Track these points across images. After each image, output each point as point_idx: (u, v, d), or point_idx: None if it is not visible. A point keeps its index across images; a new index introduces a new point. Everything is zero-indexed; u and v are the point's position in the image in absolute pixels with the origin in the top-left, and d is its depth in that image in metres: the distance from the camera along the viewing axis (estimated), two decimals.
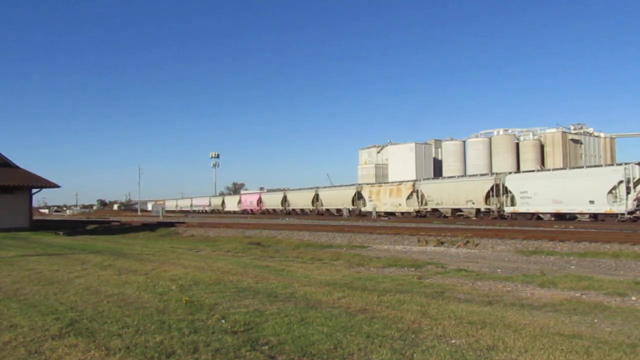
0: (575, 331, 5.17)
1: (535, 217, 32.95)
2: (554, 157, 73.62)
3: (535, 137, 77.31)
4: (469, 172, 70.16)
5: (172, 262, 12.01)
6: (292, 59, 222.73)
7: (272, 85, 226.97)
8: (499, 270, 11.36)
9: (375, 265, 11.92)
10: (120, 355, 4.40)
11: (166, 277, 9.16)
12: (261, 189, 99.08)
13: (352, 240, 20.80)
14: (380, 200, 47.19)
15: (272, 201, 68.22)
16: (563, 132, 76.00)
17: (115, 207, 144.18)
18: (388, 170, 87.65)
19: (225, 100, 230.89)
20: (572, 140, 76.52)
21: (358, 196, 51.25)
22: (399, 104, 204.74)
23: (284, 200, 64.89)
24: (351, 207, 51.66)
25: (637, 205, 27.94)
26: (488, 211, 36.92)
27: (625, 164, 29.17)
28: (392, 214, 45.77)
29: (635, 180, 28.14)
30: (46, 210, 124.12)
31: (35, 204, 36.72)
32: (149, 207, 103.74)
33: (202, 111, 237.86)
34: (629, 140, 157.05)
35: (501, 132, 79.30)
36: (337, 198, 55.02)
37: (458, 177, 45.15)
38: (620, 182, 28.42)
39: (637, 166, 28.34)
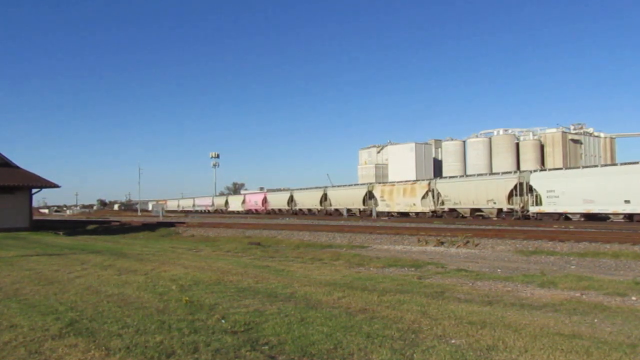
0: (575, 331, 5.17)
1: (563, 217, 31.24)
2: (554, 157, 73.65)
3: (535, 137, 77.35)
4: (468, 172, 70.05)
5: (172, 262, 12.01)
6: (292, 59, 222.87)
7: (272, 85, 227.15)
8: (499, 270, 11.36)
9: (375, 265, 11.92)
10: (120, 355, 4.39)
11: (166, 277, 9.16)
12: (261, 188, 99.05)
13: (352, 240, 20.80)
14: (393, 200, 45.33)
15: (278, 201, 66.50)
16: (563, 132, 76.05)
17: (116, 207, 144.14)
18: (388, 170, 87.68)
19: (225, 100, 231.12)
20: (572, 140, 76.55)
21: (369, 196, 49.32)
22: (399, 104, 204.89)
23: (291, 200, 63.24)
24: (362, 207, 49.87)
25: None
26: (511, 211, 35.07)
27: None
28: (405, 214, 43.98)
29: None
30: (46, 210, 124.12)
31: (35, 204, 36.76)
32: (150, 207, 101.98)
33: (202, 111, 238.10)
34: (629, 140, 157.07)
35: (501, 132, 79.34)
36: (346, 198, 53.16)
37: (477, 175, 42.90)
38: None
39: None
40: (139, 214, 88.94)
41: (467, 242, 17.96)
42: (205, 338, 4.88)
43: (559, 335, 4.98)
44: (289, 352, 4.46)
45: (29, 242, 19.52)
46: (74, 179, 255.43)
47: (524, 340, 4.73)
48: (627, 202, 27.76)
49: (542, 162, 72.50)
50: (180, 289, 7.76)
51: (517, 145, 77.68)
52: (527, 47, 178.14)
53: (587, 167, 34.45)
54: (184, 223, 36.59)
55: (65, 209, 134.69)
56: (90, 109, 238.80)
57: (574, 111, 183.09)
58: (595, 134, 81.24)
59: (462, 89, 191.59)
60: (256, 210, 70.68)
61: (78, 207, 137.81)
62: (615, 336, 4.98)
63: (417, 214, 42.72)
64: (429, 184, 42.63)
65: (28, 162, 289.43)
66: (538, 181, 33.21)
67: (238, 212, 74.16)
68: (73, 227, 37.39)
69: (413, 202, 43.19)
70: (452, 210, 39.70)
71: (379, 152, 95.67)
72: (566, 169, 32.76)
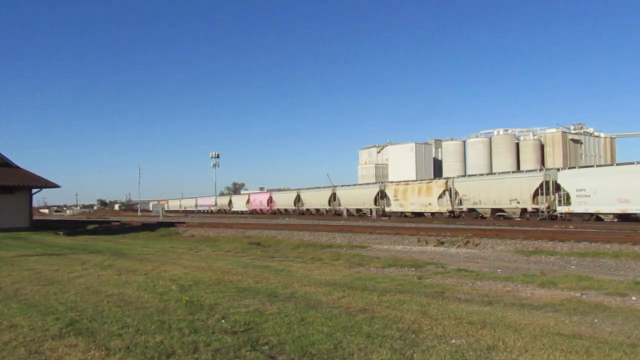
0: (575, 331, 5.17)
1: (594, 218, 29.62)
2: (554, 157, 73.67)
3: (535, 137, 77.37)
4: (469, 172, 70.09)
5: (172, 262, 12.01)
6: (292, 59, 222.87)
7: (272, 85, 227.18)
8: (499, 270, 11.36)
9: (375, 265, 11.92)
10: (120, 355, 4.39)
11: (166, 277, 9.16)
12: (261, 188, 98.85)
13: (352, 240, 20.80)
14: (407, 200, 43.44)
15: (284, 201, 64.59)
16: (563, 132, 76.07)
17: (117, 207, 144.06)
18: (388, 170, 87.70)
19: (225, 100, 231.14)
20: (572, 140, 76.57)
21: (381, 195, 47.39)
22: (399, 104, 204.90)
23: (297, 200, 61.39)
24: (374, 207, 48.01)
25: None
26: (536, 211, 33.22)
27: None
28: (420, 214, 42.21)
29: None
30: (46, 210, 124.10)
31: (35, 204, 36.76)
32: (151, 207, 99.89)
33: (202, 111, 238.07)
34: (629, 140, 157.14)
35: (501, 132, 79.36)
36: (357, 197, 51.23)
37: (499, 173, 40.92)
38: None
39: None
40: (139, 214, 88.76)
41: (467, 242, 17.96)
42: (205, 338, 4.88)
43: (559, 335, 4.98)
44: (289, 352, 4.46)
45: (29, 242, 19.53)
46: (74, 179, 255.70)
47: (524, 340, 4.73)
48: None
49: (542, 162, 72.47)
50: (180, 289, 7.76)
51: (517, 145, 77.69)
52: (527, 47, 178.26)
53: (622, 164, 31.78)
54: (184, 223, 36.59)
55: (65, 209, 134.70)
56: (90, 109, 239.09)
57: (574, 111, 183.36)
58: (595, 134, 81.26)
59: (462, 89, 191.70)
60: (261, 210, 69.00)
61: (78, 207, 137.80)
62: (615, 336, 4.98)
63: (433, 214, 40.91)
64: (446, 182, 40.67)
65: (28, 162, 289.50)
66: (567, 179, 31.33)
67: (242, 212, 72.39)
68: (73, 227, 37.39)
69: (429, 201, 41.27)
70: (471, 210, 37.97)
71: (379, 152, 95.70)
72: (598, 166, 30.82)
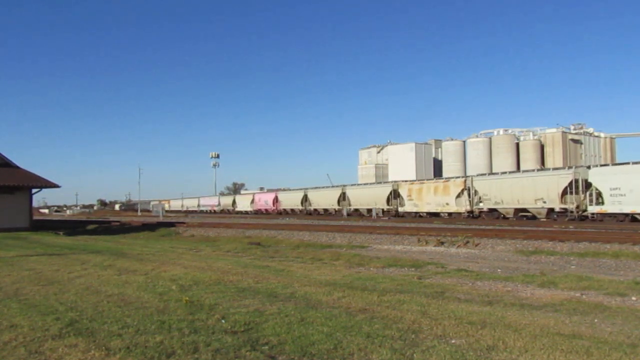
0: (575, 331, 5.17)
1: (629, 218, 27.74)
2: (554, 157, 73.71)
3: (535, 137, 77.42)
4: (469, 173, 70.02)
5: (172, 262, 12.01)
6: (292, 59, 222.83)
7: (272, 85, 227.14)
8: (499, 270, 11.36)
9: (375, 265, 11.92)
10: (120, 355, 4.39)
11: (166, 277, 9.16)
12: (261, 188, 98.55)
13: (352, 240, 20.80)
14: (423, 200, 41.68)
15: (291, 200, 62.69)
16: (563, 132, 76.12)
17: (117, 207, 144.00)
18: (388, 170, 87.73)
19: (225, 100, 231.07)
20: (572, 140, 76.61)
21: (394, 195, 45.62)
22: (399, 104, 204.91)
23: (305, 199, 59.63)
24: (386, 207, 46.15)
25: None
26: (564, 211, 31.24)
27: None
28: (436, 214, 40.59)
29: None
30: (46, 210, 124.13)
31: (35, 204, 36.76)
32: (152, 207, 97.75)
33: (202, 111, 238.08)
34: (629, 140, 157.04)
35: (501, 132, 79.40)
36: (368, 197, 49.23)
37: (523, 171, 39.05)
38: None
39: None
40: (139, 214, 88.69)
41: (467, 242, 17.96)
42: (205, 338, 4.88)
43: (559, 335, 4.98)
44: (289, 352, 4.46)
45: (29, 242, 19.53)
46: (74, 179, 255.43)
47: (524, 340, 4.72)
48: None
49: (542, 162, 72.53)
50: (180, 289, 7.75)
51: (517, 145, 77.75)
52: (527, 47, 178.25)
53: None
54: (184, 223, 36.60)
55: (65, 209, 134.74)
56: (90, 109, 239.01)
57: (574, 111, 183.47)
58: (595, 134, 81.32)
59: (462, 89, 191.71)
60: (266, 210, 66.99)
61: (78, 207, 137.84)
62: (615, 336, 4.98)
63: (450, 214, 39.28)
64: (465, 181, 38.86)
65: (28, 162, 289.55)
66: (599, 177, 29.45)
67: (246, 213, 70.55)
68: (73, 227, 37.40)
69: (446, 201, 39.42)
70: (492, 210, 36.16)
71: (379, 152, 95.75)
72: (634, 163, 29.49)
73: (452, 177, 44.06)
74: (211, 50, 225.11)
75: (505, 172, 41.67)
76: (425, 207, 41.63)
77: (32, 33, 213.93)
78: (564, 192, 31.41)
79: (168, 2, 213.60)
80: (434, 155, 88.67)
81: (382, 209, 46.72)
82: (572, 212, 30.86)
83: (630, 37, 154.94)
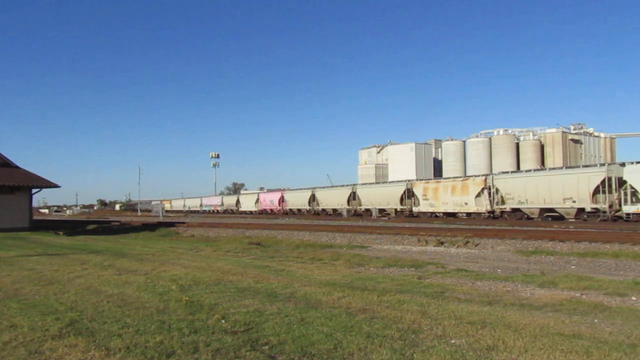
0: (575, 331, 5.17)
1: None
2: (554, 157, 73.70)
3: (535, 137, 77.42)
4: (469, 173, 70.01)
5: (172, 262, 12.00)
6: (292, 59, 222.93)
7: (272, 85, 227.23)
8: (499, 270, 11.35)
9: (375, 265, 11.91)
10: (120, 355, 4.39)
11: (166, 277, 9.15)
12: (261, 188, 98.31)
13: (352, 240, 20.80)
14: (439, 199, 39.96)
15: (298, 200, 60.78)
16: (563, 132, 76.11)
17: (118, 207, 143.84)
18: (388, 170, 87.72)
19: (225, 100, 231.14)
20: (572, 140, 76.61)
21: (408, 194, 44.04)
22: (399, 104, 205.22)
23: (312, 199, 57.74)
24: (399, 207, 44.74)
25: None
26: (595, 211, 29.64)
27: None
28: (452, 214, 39.17)
29: None
30: (46, 210, 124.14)
31: (35, 204, 36.77)
32: (153, 207, 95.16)
33: (202, 111, 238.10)
34: (629, 140, 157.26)
35: (501, 132, 79.39)
36: (380, 196, 47.39)
37: (550, 169, 36.44)
38: None
39: None
40: (139, 214, 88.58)
41: (467, 242, 17.96)
42: (205, 338, 4.88)
43: (559, 335, 4.97)
44: (289, 352, 4.46)
45: (29, 242, 19.52)
46: (74, 179, 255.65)
47: (524, 340, 4.72)
48: None
49: (542, 162, 72.53)
50: (180, 289, 7.75)
51: (517, 145, 77.73)
52: (527, 47, 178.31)
53: None
54: (183, 223, 36.60)
55: (65, 209, 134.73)
56: (90, 109, 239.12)
57: (574, 111, 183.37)
58: (595, 134, 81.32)
59: (462, 89, 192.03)
60: (271, 210, 64.93)
61: (78, 207, 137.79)
62: (615, 336, 4.98)
63: (469, 214, 37.80)
64: (485, 179, 36.97)
65: (28, 162, 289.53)
66: (635, 175, 27.65)
67: (251, 213, 68.73)
68: (73, 227, 37.38)
69: (465, 200, 37.64)
70: (515, 210, 34.43)
71: (379, 152, 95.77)
72: None
73: (472, 176, 42.06)
74: (211, 50, 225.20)
75: (529, 170, 39.03)
76: (441, 207, 39.87)
77: (32, 33, 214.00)
78: (596, 191, 29.58)
79: (168, 2, 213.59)
80: (434, 155, 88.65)
81: (395, 209, 45.27)
82: (604, 212, 29.21)
83: (630, 37, 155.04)
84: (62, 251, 15.37)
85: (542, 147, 76.40)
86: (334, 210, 54.13)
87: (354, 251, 16.41)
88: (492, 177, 37.01)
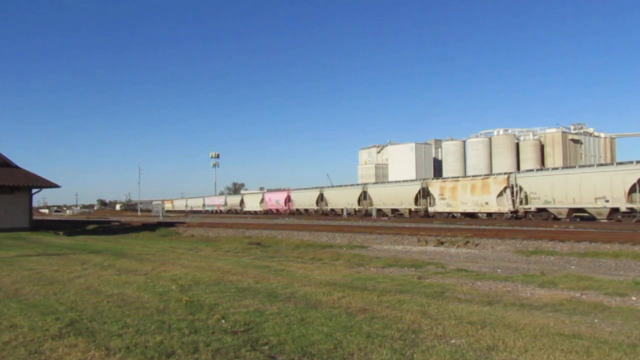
0: (575, 331, 5.17)
1: None
2: (554, 157, 73.68)
3: (535, 137, 77.40)
4: (469, 173, 69.96)
5: (172, 262, 12.00)
6: (292, 59, 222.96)
7: (272, 85, 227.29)
8: (499, 270, 11.35)
9: (375, 265, 11.91)
10: (120, 355, 4.39)
11: (166, 277, 9.15)
12: (261, 188, 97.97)
13: (352, 240, 20.80)
14: (457, 198, 38.20)
15: (305, 200, 58.92)
16: (563, 132, 76.10)
17: (118, 207, 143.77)
18: (388, 170, 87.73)
19: (225, 100, 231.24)
20: (572, 140, 76.59)
21: (423, 193, 42.21)
22: (399, 104, 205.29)
23: (320, 199, 55.87)
24: (413, 207, 42.96)
25: None
26: (631, 211, 27.89)
27: None
28: (471, 214, 37.52)
29: None
30: (46, 210, 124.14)
31: (35, 204, 36.78)
32: (154, 207, 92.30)
33: (202, 111, 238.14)
34: (629, 140, 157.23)
35: (501, 132, 79.38)
36: (393, 196, 45.61)
37: (580, 166, 34.45)
38: None
39: None
40: (139, 214, 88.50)
41: (467, 242, 17.96)
42: (205, 338, 4.88)
43: (559, 335, 4.97)
44: (289, 352, 4.46)
45: (29, 242, 19.52)
46: (74, 179, 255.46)
47: (524, 340, 4.72)
48: None
49: (542, 162, 72.51)
50: (180, 289, 7.75)
51: (517, 145, 77.71)
52: (527, 47, 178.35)
53: None
54: (183, 223, 36.61)
55: (65, 209, 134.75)
56: (90, 109, 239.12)
57: (574, 111, 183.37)
58: (595, 134, 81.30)
59: (462, 89, 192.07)
60: (277, 210, 63.28)
61: (78, 207, 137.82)
62: (615, 336, 4.98)
63: (490, 214, 36.03)
64: (508, 178, 35.12)
65: (28, 162, 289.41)
66: None
67: (255, 213, 67.21)
68: (73, 227, 37.39)
69: (485, 200, 35.93)
70: (540, 210, 32.63)
71: (379, 152, 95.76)
72: None
73: (493, 174, 40.08)
74: (211, 50, 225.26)
75: (557, 168, 36.38)
76: (460, 207, 38.05)
77: (32, 33, 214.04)
78: (632, 190, 27.71)
79: (168, 2, 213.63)
80: (434, 155, 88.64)
81: (409, 209, 43.43)
82: None
83: (630, 37, 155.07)
84: (62, 251, 15.37)
85: (542, 147, 76.39)
86: (343, 210, 52.28)
87: (354, 251, 16.41)
88: (515, 175, 35.25)
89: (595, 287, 8.19)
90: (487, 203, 35.98)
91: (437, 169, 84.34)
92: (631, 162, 29.56)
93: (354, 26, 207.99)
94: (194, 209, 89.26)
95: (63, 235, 26.53)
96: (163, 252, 14.94)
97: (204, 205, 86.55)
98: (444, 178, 44.77)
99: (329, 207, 54.59)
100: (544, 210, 32.61)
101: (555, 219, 31.39)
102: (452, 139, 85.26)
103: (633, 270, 11.43)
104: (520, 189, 33.89)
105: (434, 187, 41.01)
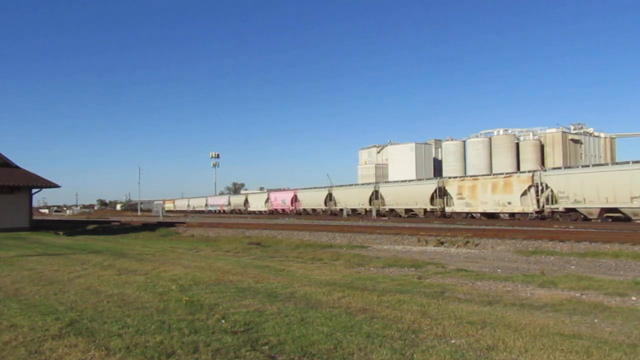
0: (575, 331, 5.17)
1: None
2: (554, 157, 73.69)
3: (535, 137, 77.42)
4: (469, 173, 69.92)
5: (172, 262, 12.00)
6: (292, 59, 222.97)
7: (272, 85, 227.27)
8: (499, 270, 11.35)
9: (375, 265, 11.91)
10: (120, 355, 4.39)
11: (166, 277, 9.15)
12: (261, 188, 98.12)
13: (352, 240, 20.80)
14: (477, 198, 36.50)
15: (312, 200, 57.39)
16: (563, 132, 76.11)
17: (119, 207, 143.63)
18: (388, 170, 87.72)
19: (225, 100, 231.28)
20: (572, 140, 76.60)
21: (439, 193, 40.38)
22: (399, 104, 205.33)
23: (329, 198, 54.25)
24: (429, 207, 41.34)
25: None
26: None
27: None
28: (492, 215, 35.88)
29: None
30: (46, 210, 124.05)
31: (35, 204, 36.76)
32: (155, 206, 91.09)
33: (202, 111, 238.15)
34: (629, 140, 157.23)
35: (501, 132, 79.39)
36: (407, 195, 43.88)
37: (614, 164, 32.74)
38: None
39: None
40: (139, 214, 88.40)
41: (467, 242, 17.96)
42: (205, 338, 4.88)
43: (559, 335, 4.97)
44: (289, 352, 4.46)
45: (29, 242, 19.52)
46: (74, 179, 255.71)
47: (524, 340, 4.72)
48: None
49: (542, 162, 72.44)
50: (180, 289, 7.75)
51: (517, 145, 77.73)
52: (527, 47, 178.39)
53: None
54: (183, 223, 36.60)
55: (65, 209, 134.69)
56: (90, 109, 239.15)
57: (574, 111, 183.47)
58: (595, 134, 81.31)
59: (462, 89, 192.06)
60: (283, 210, 61.95)
61: (78, 207, 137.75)
62: (615, 336, 4.98)
63: (513, 214, 34.44)
64: (533, 176, 33.40)
65: (28, 162, 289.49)
66: None
67: (260, 213, 65.91)
68: (73, 227, 37.38)
69: (508, 200, 34.28)
70: (569, 210, 30.83)
71: (379, 152, 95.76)
72: None
73: (516, 172, 38.25)
74: (211, 50, 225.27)
75: (587, 165, 33.91)
76: (480, 207, 36.30)
77: (32, 33, 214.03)
78: None
79: (168, 2, 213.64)
80: (434, 155, 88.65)
81: (425, 209, 41.72)
82: None
83: (630, 37, 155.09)
84: (62, 251, 15.37)
85: (542, 147, 76.39)
86: (353, 210, 50.50)
87: (354, 251, 16.40)
88: (540, 173, 33.40)
89: (595, 287, 8.18)
90: (509, 203, 34.28)
91: (437, 169, 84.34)
92: None
93: (354, 26, 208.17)
94: (196, 209, 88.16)
95: (63, 235, 26.53)
96: (163, 252, 14.94)
97: (206, 205, 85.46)
98: (462, 176, 42.95)
99: (338, 207, 52.70)
100: (573, 210, 30.75)
101: (585, 219, 29.84)
102: (452, 139, 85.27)
103: (633, 270, 11.43)
104: (546, 186, 32.14)
105: (452, 186, 39.26)
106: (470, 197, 37.31)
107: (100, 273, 9.87)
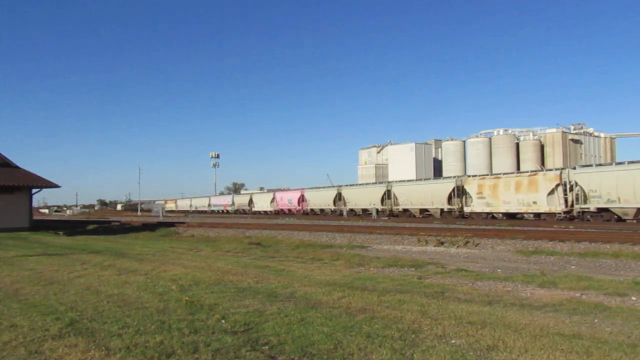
0: (575, 331, 5.17)
1: None
2: (554, 157, 73.70)
3: (535, 137, 77.43)
4: (469, 173, 69.91)
5: (172, 262, 12.00)
6: (292, 59, 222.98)
7: (272, 85, 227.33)
8: (499, 270, 11.35)
9: (375, 265, 11.91)
10: (120, 355, 4.39)
11: (166, 277, 9.15)
12: (261, 188, 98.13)
13: (352, 240, 20.80)
14: (499, 197, 34.56)
15: (320, 199, 55.65)
16: (563, 132, 76.13)
17: (119, 207, 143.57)
18: (388, 170, 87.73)
19: (225, 100, 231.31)
20: (572, 140, 76.62)
21: (458, 192, 38.42)
22: (399, 104, 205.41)
23: (338, 198, 52.47)
24: (446, 207, 39.42)
25: None
26: None
27: None
28: (513, 215, 34.13)
29: None
30: (46, 210, 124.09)
31: (35, 204, 36.74)
32: (155, 207, 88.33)
33: (202, 111, 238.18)
34: (629, 140, 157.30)
35: (501, 132, 79.41)
36: (422, 195, 41.87)
37: None
38: None
39: None
40: (139, 214, 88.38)
41: (467, 242, 17.96)
42: (205, 338, 4.88)
43: (559, 335, 4.97)
44: (289, 352, 4.46)
45: (29, 242, 19.52)
46: (74, 179, 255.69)
47: (524, 340, 4.72)
48: None
49: (542, 162, 72.45)
50: (180, 289, 7.75)
51: (517, 145, 77.75)
52: (527, 47, 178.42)
53: None
54: (183, 223, 36.60)
55: (65, 209, 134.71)
56: (90, 109, 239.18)
57: (574, 111, 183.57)
58: (595, 134, 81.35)
59: (462, 89, 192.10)
60: (289, 210, 60.49)
61: (78, 207, 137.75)
62: (615, 336, 4.98)
63: (538, 215, 32.53)
64: (561, 174, 31.39)
65: (28, 162, 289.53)
66: None
67: (266, 213, 64.62)
68: (73, 227, 37.39)
69: (533, 199, 32.42)
70: (601, 210, 28.97)
71: (379, 152, 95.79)
72: None
73: (542, 170, 36.40)
74: (211, 50, 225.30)
75: (622, 162, 30.98)
76: (502, 207, 34.43)
77: (32, 33, 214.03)
78: None
79: (168, 2, 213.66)
80: (434, 155, 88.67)
81: (442, 209, 39.89)
82: None
83: (630, 37, 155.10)
84: (62, 251, 15.37)
85: (542, 147, 76.41)
86: (364, 210, 48.39)
87: (354, 251, 16.40)
88: (569, 171, 31.52)
89: (595, 287, 8.18)
90: (535, 202, 32.42)
91: (437, 169, 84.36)
92: None
93: (354, 26, 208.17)
94: (198, 209, 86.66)
95: (63, 235, 26.53)
96: (163, 252, 14.94)
97: (209, 205, 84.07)
98: (483, 175, 40.82)
99: (348, 207, 50.65)
100: (606, 210, 28.84)
101: (619, 220, 28.00)
102: (452, 139, 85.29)
103: (633, 270, 11.42)
104: (575, 184, 30.40)
105: (471, 185, 37.30)
106: (492, 197, 35.30)
107: (100, 273, 9.87)
